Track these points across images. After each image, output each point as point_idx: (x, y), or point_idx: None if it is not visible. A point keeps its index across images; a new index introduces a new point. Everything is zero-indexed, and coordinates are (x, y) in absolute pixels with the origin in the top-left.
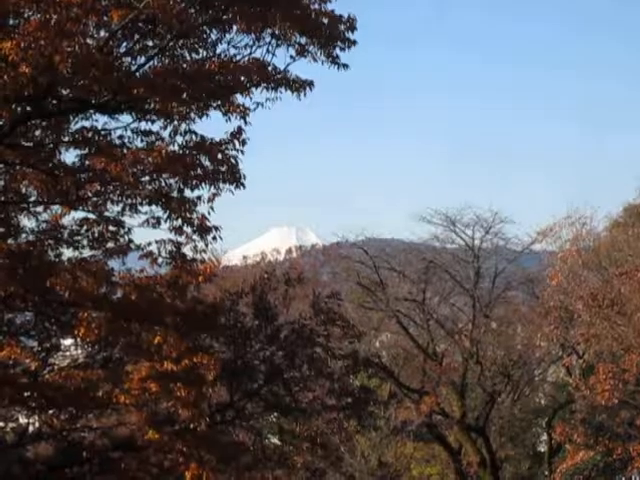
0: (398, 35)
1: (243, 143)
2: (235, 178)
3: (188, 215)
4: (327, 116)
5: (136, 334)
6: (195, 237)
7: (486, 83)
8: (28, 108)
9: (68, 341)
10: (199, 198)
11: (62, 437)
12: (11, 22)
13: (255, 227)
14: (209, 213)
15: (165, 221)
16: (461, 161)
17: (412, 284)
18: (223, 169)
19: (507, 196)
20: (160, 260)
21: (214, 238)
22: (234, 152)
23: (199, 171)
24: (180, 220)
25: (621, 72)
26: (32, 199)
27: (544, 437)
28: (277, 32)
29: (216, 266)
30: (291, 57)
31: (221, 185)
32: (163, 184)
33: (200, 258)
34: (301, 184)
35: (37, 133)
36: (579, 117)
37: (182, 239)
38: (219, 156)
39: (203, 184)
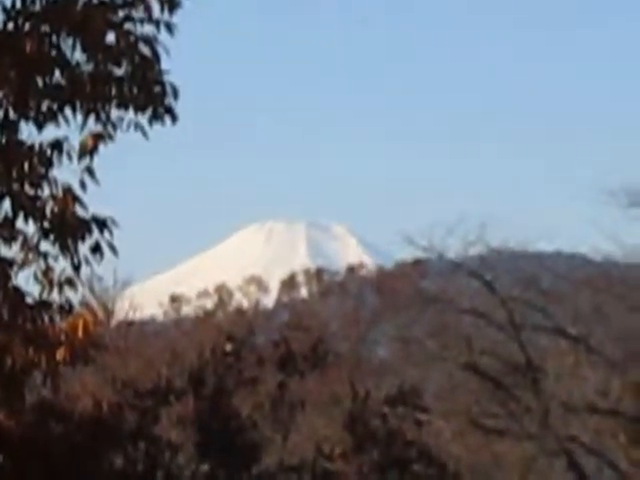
0: None
1: (171, 4)
2: (151, 96)
3: (29, 190)
4: None
5: None
6: (46, 245)
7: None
8: None
9: None
10: (57, 147)
11: None
12: None
13: (212, 225)
14: (83, 185)
15: None
16: None
17: (610, 369)
18: (120, 72)
19: None
20: None
21: (96, 250)
22: (149, 27)
23: (57, 75)
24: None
25: None
26: None
27: None
28: None
29: (101, 323)
30: None
31: (113, 112)
32: None
33: (60, 302)
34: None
35: None
36: None
37: (10, 252)
38: (108, 35)
39: (67, 109)
